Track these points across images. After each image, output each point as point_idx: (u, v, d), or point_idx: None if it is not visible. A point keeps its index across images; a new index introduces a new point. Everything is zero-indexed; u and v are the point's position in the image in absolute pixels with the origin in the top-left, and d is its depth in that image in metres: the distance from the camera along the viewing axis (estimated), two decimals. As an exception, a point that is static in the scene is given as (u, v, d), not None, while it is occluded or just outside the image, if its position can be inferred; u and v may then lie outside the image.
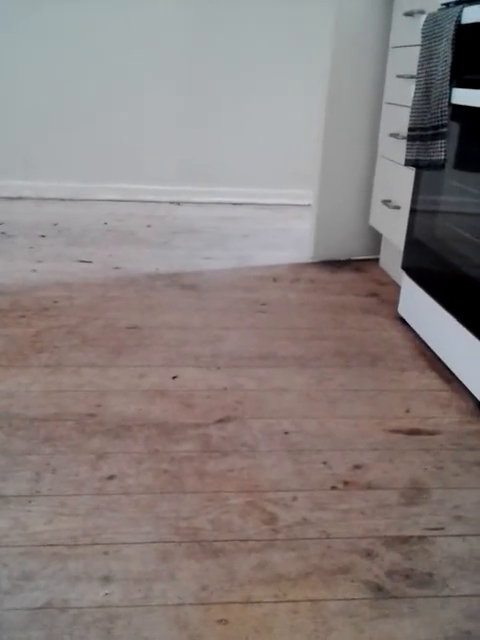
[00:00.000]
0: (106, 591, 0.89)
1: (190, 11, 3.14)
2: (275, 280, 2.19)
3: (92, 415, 1.31)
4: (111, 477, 1.12)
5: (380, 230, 2.24)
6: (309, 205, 3.36)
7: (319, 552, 0.98)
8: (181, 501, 1.07)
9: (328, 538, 1.01)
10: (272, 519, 1.04)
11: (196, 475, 1.14)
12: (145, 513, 1.04)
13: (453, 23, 1.41)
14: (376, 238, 2.45)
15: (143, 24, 3.13)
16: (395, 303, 2.01)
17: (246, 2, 3.15)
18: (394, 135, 2.03)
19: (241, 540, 0.99)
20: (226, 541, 0.99)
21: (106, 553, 0.96)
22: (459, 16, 1.40)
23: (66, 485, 1.09)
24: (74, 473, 1.13)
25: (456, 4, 1.54)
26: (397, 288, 2.15)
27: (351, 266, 2.39)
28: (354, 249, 2.46)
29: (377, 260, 2.46)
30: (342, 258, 2.46)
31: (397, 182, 2.06)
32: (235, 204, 3.40)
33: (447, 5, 1.58)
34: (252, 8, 3.16)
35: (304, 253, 2.52)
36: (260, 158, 3.40)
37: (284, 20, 3.20)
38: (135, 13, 3.11)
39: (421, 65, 1.56)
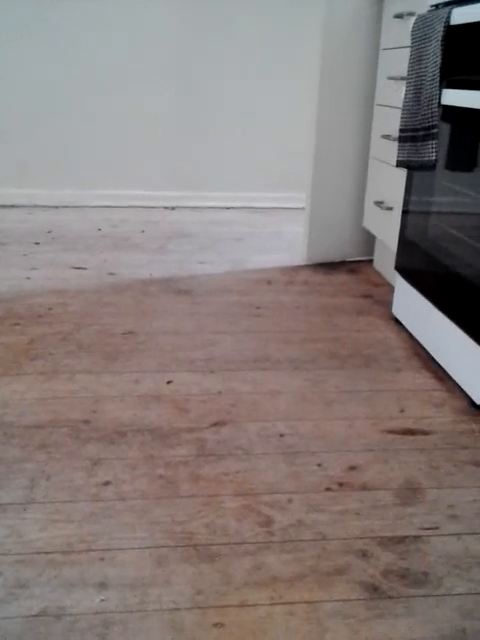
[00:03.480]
0: (102, 597, 0.89)
1: (183, 17, 3.15)
2: (269, 283, 2.20)
3: (87, 421, 1.31)
4: (106, 483, 1.12)
5: (373, 231, 2.25)
6: (301, 208, 3.37)
7: (314, 554, 0.98)
8: (176, 506, 1.07)
9: (323, 539, 1.01)
10: (267, 522, 1.04)
11: (191, 479, 1.14)
12: (140, 518, 1.04)
13: (442, 24, 1.42)
14: (369, 240, 2.46)
15: (136, 30, 3.14)
16: (389, 304, 2.02)
17: (238, 7, 3.16)
18: (386, 136, 2.04)
19: (236, 543, 0.99)
20: (221, 545, 0.99)
21: (102, 559, 0.96)
22: (448, 17, 1.41)
23: (61, 492, 1.09)
24: (69, 480, 1.13)
25: (445, 5, 1.54)
26: (391, 289, 2.16)
27: (345, 268, 2.39)
28: (348, 251, 2.47)
29: (371, 261, 2.46)
30: (336, 260, 2.46)
31: (389, 183, 2.07)
32: (228, 208, 3.41)
33: (436, 6, 1.59)
34: (244, 13, 3.17)
35: (297, 256, 2.52)
36: (252, 162, 3.41)
37: (275, 23, 3.21)
38: (129, 19, 3.12)
39: (411, 66, 1.57)
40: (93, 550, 0.97)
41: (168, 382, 1.49)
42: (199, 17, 3.16)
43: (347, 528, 1.03)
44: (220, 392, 1.45)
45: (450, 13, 1.41)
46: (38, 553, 0.96)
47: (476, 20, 1.33)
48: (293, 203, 3.44)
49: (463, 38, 1.42)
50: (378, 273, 2.33)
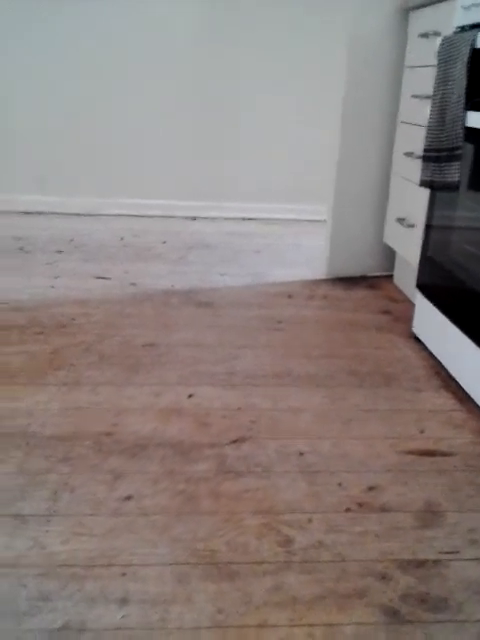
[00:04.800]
0: (123, 613, 0.90)
1: (204, 30, 3.18)
2: (290, 297, 2.21)
3: (109, 434, 1.32)
4: (128, 497, 1.13)
5: (394, 247, 2.25)
6: (320, 221, 3.38)
7: (334, 575, 0.98)
8: (197, 522, 1.08)
9: (343, 561, 1.01)
10: (287, 541, 1.05)
11: (212, 496, 1.15)
12: (161, 534, 1.05)
13: (468, 47, 1.43)
14: (390, 255, 2.46)
15: (158, 43, 3.18)
16: (409, 321, 2.02)
17: (260, 20, 3.19)
18: (409, 154, 2.04)
19: (256, 562, 1.00)
20: (242, 563, 1.00)
21: (123, 574, 0.97)
22: (474, 40, 1.42)
23: (83, 505, 1.11)
24: (92, 493, 1.14)
25: (471, 28, 1.55)
26: (411, 306, 2.16)
27: (365, 283, 2.39)
28: (368, 266, 2.47)
29: (391, 277, 2.46)
30: (356, 275, 2.47)
31: (411, 200, 2.07)
32: (247, 219, 3.43)
33: (462, 28, 1.60)
34: (264, 26, 3.20)
35: (318, 269, 2.53)
36: (270, 174, 3.43)
37: (298, 37, 3.23)
38: (151, 32, 3.16)
39: (436, 87, 1.58)
40: (115, 565, 0.99)
41: (189, 396, 1.50)
42: (220, 30, 3.19)
43: (367, 550, 1.04)
44: (240, 408, 1.46)
45: (476, 36, 1.42)
46: (61, 566, 0.98)
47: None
48: (311, 215, 3.45)
49: (490, 61, 1.43)
50: (398, 289, 2.34)
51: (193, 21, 3.16)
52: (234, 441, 1.32)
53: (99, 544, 1.03)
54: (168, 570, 0.98)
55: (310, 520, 1.10)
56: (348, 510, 1.13)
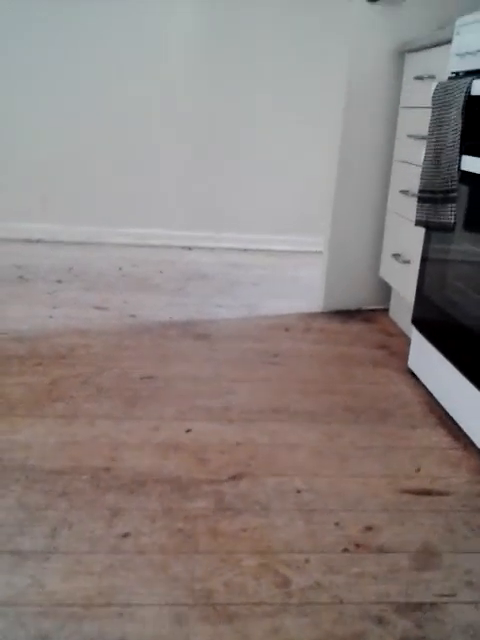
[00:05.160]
0: (122, 655, 0.90)
1: (202, 62, 3.25)
2: (286, 330, 2.23)
3: (107, 469, 1.33)
4: (126, 535, 1.14)
5: (390, 282, 2.28)
6: (317, 252, 3.42)
7: (331, 618, 0.99)
8: (195, 561, 1.08)
9: (341, 603, 1.02)
10: (285, 582, 1.05)
11: (210, 534, 1.15)
12: (159, 573, 1.05)
13: (463, 94, 1.47)
14: (386, 288, 2.49)
15: (157, 74, 3.24)
16: (405, 356, 2.04)
17: (261, 51, 3.26)
18: (404, 192, 2.08)
19: (254, 604, 1.00)
20: (240, 605, 1.00)
21: (121, 615, 0.97)
22: (468, 87, 1.46)
23: (82, 542, 1.11)
24: (90, 530, 1.14)
25: (465, 74, 1.60)
26: (406, 340, 2.18)
27: (361, 316, 2.42)
28: (364, 299, 2.50)
29: (387, 310, 2.49)
30: (352, 308, 2.50)
31: (407, 237, 2.11)
32: (244, 250, 3.46)
33: (457, 74, 1.64)
34: (267, 58, 3.27)
35: (314, 302, 2.56)
36: (269, 205, 3.47)
37: (296, 70, 3.30)
38: (150, 63, 3.22)
39: (431, 131, 1.62)
40: (113, 605, 0.99)
41: (187, 431, 1.51)
42: (219, 62, 3.25)
43: (364, 592, 1.04)
44: (238, 443, 1.47)
45: (471, 83, 1.46)
46: (59, 605, 0.98)
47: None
48: (308, 247, 3.49)
49: (485, 108, 1.47)
50: (394, 323, 2.36)
51: (196, 51, 3.23)
52: (232, 477, 1.33)
53: (97, 583, 1.03)
54: (166, 610, 0.98)
55: (307, 560, 1.10)
56: (345, 550, 1.13)
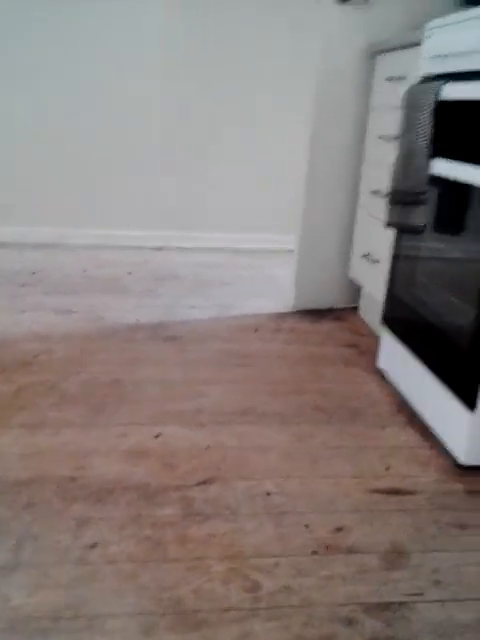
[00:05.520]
0: (88, 668, 0.88)
1: (175, 60, 3.22)
2: (256, 331, 2.22)
3: (73, 478, 1.31)
4: (93, 545, 1.12)
5: (360, 282, 2.29)
6: (289, 251, 3.42)
7: (301, 621, 0.98)
8: (163, 570, 1.07)
9: (310, 606, 1.01)
10: (254, 587, 1.05)
11: (178, 541, 1.14)
12: (127, 583, 1.04)
13: (432, 97, 1.48)
14: (356, 287, 2.50)
15: (126, 71, 3.21)
16: (374, 354, 2.05)
17: (234, 50, 3.24)
18: (374, 192, 2.09)
19: (223, 610, 1.00)
20: (208, 611, 0.99)
21: (89, 627, 0.95)
22: (438, 91, 1.47)
23: (48, 554, 1.09)
24: (56, 541, 1.12)
25: (435, 78, 1.61)
26: (376, 339, 2.19)
27: (331, 316, 2.43)
28: (334, 298, 2.51)
29: (357, 309, 2.50)
30: (322, 307, 2.50)
31: (377, 237, 2.12)
32: (216, 249, 3.45)
33: (427, 78, 1.65)
34: (240, 56, 3.26)
35: (285, 302, 2.56)
36: (241, 203, 3.47)
37: (271, 69, 3.29)
38: (117, 59, 3.19)
39: (402, 134, 1.62)
40: (81, 617, 0.97)
41: (156, 436, 1.49)
42: (192, 61, 3.23)
43: (333, 594, 1.04)
44: (208, 447, 1.46)
45: (440, 88, 1.47)
46: (26, 619, 0.96)
47: (463, 98, 1.38)
48: (280, 245, 3.49)
49: (451, 113, 1.48)
50: (364, 322, 2.37)
51: (168, 47, 3.21)
52: (202, 482, 1.32)
53: (64, 595, 1.01)
54: (134, 620, 0.97)
55: (277, 564, 1.10)
56: (315, 553, 1.13)
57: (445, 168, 1.43)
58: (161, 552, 1.11)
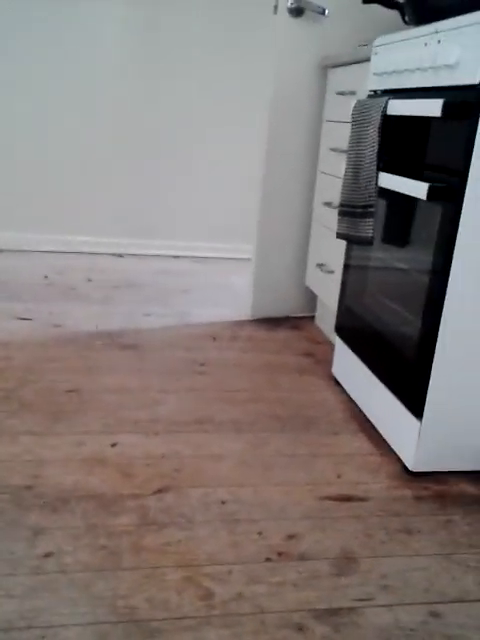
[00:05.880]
0: (42, 679, 0.89)
1: (129, 65, 3.23)
2: (214, 339, 2.24)
3: (29, 487, 1.31)
4: (48, 554, 1.12)
5: (315, 291, 2.34)
6: (248, 259, 3.46)
7: (253, 628, 1.01)
8: (119, 578, 1.08)
9: (262, 613, 1.04)
10: (208, 595, 1.07)
11: (133, 550, 1.15)
12: (82, 592, 1.05)
13: (379, 112, 1.53)
14: (312, 296, 2.55)
15: (82, 74, 3.20)
16: (330, 363, 2.09)
17: (191, 55, 3.27)
18: (327, 204, 2.14)
19: (177, 618, 1.02)
20: (163, 620, 1.01)
21: (43, 637, 0.96)
22: (384, 106, 1.52)
23: (2, 564, 1.09)
24: (10, 551, 1.13)
25: (383, 93, 1.66)
26: (332, 347, 2.24)
27: (288, 324, 2.47)
28: (291, 307, 2.55)
29: (313, 318, 2.55)
30: (280, 315, 2.54)
31: (330, 247, 2.16)
32: (176, 257, 3.46)
33: (375, 93, 1.71)
34: (197, 61, 3.28)
35: (242, 310, 2.59)
36: (201, 211, 3.49)
37: (228, 75, 3.33)
38: (73, 64, 3.18)
39: (351, 147, 1.67)
40: (34, 627, 0.98)
41: (112, 445, 1.50)
42: (146, 65, 3.25)
43: (285, 600, 1.07)
44: (164, 455, 1.47)
45: (386, 103, 1.52)
46: (-23, 632, 0.96)
47: (402, 113, 1.44)
48: (240, 254, 3.52)
49: (397, 127, 1.54)
50: (320, 330, 2.42)
51: (125, 49, 3.21)
52: (157, 491, 1.34)
53: (18, 605, 1.01)
54: (89, 630, 0.98)
55: (230, 572, 1.12)
56: (268, 560, 1.16)
57: (390, 181, 1.48)
58: (116, 561, 1.12)
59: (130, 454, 1.47)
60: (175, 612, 1.02)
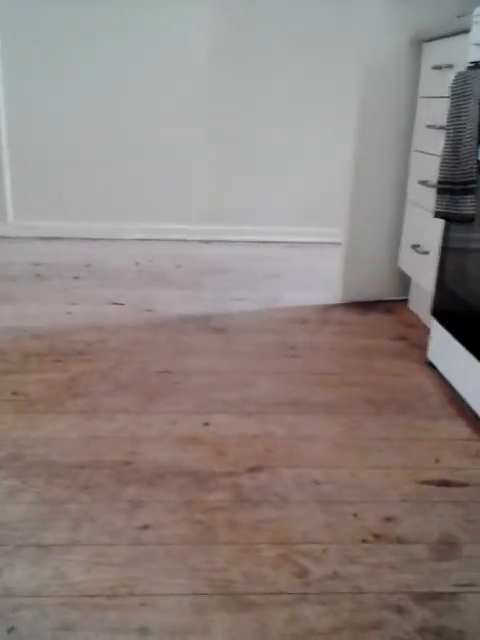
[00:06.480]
0: (143, 644, 0.91)
1: (221, 58, 3.24)
2: (304, 322, 2.23)
3: (127, 463, 1.35)
4: (146, 527, 1.15)
5: (409, 273, 2.27)
6: (336, 243, 3.40)
7: (350, 607, 0.99)
8: (215, 552, 1.09)
9: (359, 593, 1.02)
10: (303, 572, 1.06)
11: (229, 526, 1.16)
12: (180, 564, 1.07)
13: None
14: (405, 279, 2.47)
15: (173, 72, 3.25)
16: (424, 347, 2.03)
17: (271, 47, 3.25)
18: (423, 182, 2.07)
19: (273, 593, 1.01)
20: (259, 594, 1.01)
21: (143, 604, 0.98)
22: (485, 76, 1.44)
23: (103, 534, 1.13)
24: (111, 522, 1.16)
25: (483, 63, 1.58)
26: (426, 331, 2.17)
27: (380, 308, 2.41)
28: (383, 290, 2.49)
29: (406, 301, 2.48)
30: (371, 299, 2.49)
31: (426, 228, 2.09)
32: (263, 242, 3.46)
33: (476, 64, 1.62)
34: (277, 52, 3.26)
35: (332, 294, 2.55)
36: (287, 197, 3.47)
37: (308, 63, 3.28)
38: (167, 59, 3.23)
39: (450, 121, 1.60)
40: (135, 595, 1.00)
41: (205, 424, 1.52)
42: (236, 58, 3.25)
43: (382, 582, 1.04)
44: (256, 436, 1.47)
45: (489, 72, 1.44)
46: (82, 596, 1.00)
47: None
48: (328, 238, 3.47)
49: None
50: (414, 314, 2.35)
51: (211, 47, 3.23)
52: (250, 470, 1.34)
53: (119, 574, 1.04)
54: (186, 600, 0.99)
55: (326, 551, 1.11)
56: (364, 541, 1.14)
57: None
58: (212, 536, 1.13)
59: (223, 433, 1.48)
60: (271, 587, 1.02)
